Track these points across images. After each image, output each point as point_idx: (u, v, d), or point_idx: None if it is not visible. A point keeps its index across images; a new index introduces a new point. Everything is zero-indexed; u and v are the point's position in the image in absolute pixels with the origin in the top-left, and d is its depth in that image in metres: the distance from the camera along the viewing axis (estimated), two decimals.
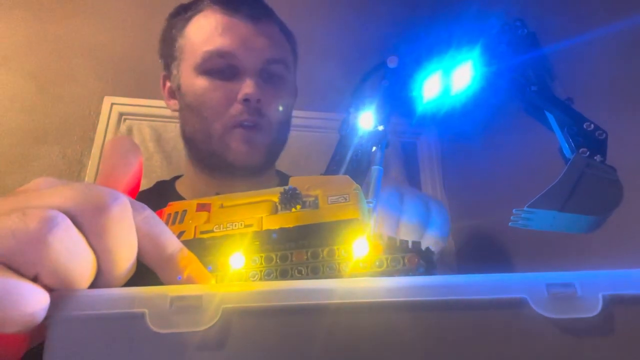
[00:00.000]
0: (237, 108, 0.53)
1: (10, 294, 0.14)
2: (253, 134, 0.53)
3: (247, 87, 0.52)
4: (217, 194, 0.25)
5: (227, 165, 0.54)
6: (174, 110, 0.60)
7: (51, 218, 0.15)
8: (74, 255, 0.16)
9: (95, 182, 0.19)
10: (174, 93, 0.59)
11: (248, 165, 0.54)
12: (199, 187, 0.59)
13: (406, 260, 0.21)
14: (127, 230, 0.17)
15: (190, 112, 0.55)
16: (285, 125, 0.58)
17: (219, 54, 0.53)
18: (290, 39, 0.61)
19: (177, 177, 0.64)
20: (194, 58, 0.54)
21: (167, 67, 0.60)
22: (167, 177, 0.65)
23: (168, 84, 0.60)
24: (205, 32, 0.54)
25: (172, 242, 0.19)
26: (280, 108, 0.56)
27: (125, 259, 0.17)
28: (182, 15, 0.58)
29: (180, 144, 1.42)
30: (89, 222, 0.16)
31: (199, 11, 0.56)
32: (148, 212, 0.19)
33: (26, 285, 0.15)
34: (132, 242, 0.18)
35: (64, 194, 0.17)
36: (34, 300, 0.15)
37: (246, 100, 0.52)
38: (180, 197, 0.58)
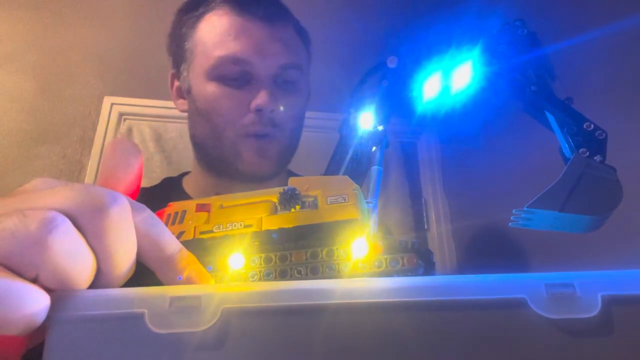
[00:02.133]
0: (249, 118, 0.50)
1: (11, 296, 0.14)
2: (266, 144, 0.51)
3: (261, 97, 0.49)
4: (217, 194, 0.25)
5: (237, 173, 0.53)
6: (183, 111, 0.58)
7: (51, 219, 0.15)
8: (73, 256, 0.16)
9: (95, 183, 0.19)
10: (183, 93, 0.56)
11: (259, 175, 0.53)
12: (205, 186, 0.58)
13: (405, 261, 0.21)
14: (126, 231, 0.17)
15: (201, 117, 0.53)
16: (298, 130, 0.57)
17: (233, 60, 0.50)
18: (305, 39, 0.58)
19: (185, 174, 0.62)
20: (205, 62, 0.51)
21: (177, 66, 0.57)
22: (167, 176, 0.65)
23: (177, 83, 0.58)
24: (218, 34, 0.51)
25: (171, 243, 0.19)
26: (293, 111, 0.54)
27: (124, 259, 0.18)
28: (192, 12, 0.54)
29: (180, 144, 1.43)
30: (89, 223, 0.16)
31: (211, 9, 0.53)
32: (147, 212, 0.19)
33: (26, 286, 0.15)
34: (132, 243, 0.18)
35: (64, 195, 0.17)
36: (34, 302, 0.15)
37: (259, 110, 0.50)
38: (186, 195, 0.57)
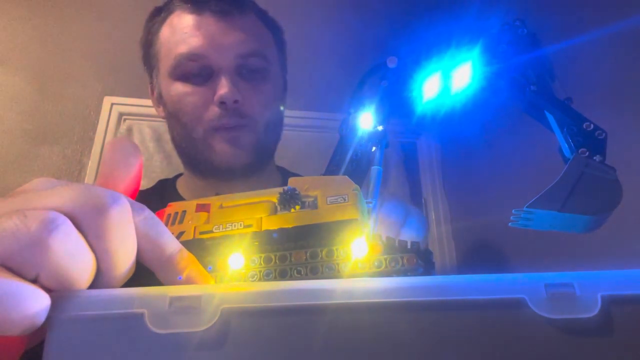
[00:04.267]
0: (214, 112, 0.50)
1: (11, 296, 0.14)
2: (236, 134, 0.51)
3: (222, 88, 0.49)
4: (217, 194, 0.25)
5: (214, 169, 0.52)
6: (163, 118, 0.58)
7: (52, 220, 0.15)
8: (74, 257, 0.16)
9: (95, 183, 0.19)
10: (159, 100, 0.57)
11: (234, 167, 0.52)
12: (195, 188, 0.58)
13: (405, 261, 0.21)
14: (126, 231, 0.17)
15: (173, 119, 0.54)
16: (273, 121, 0.55)
17: (189, 56, 0.50)
18: (273, 29, 0.58)
19: (179, 175, 0.63)
20: (167, 63, 0.52)
21: (150, 74, 0.58)
22: (168, 177, 0.65)
23: (154, 91, 0.58)
24: (176, 34, 0.52)
25: (171, 243, 0.19)
26: (263, 101, 0.52)
27: (124, 259, 0.18)
28: (156, 18, 0.55)
29: None
30: (89, 223, 0.16)
31: (171, 12, 0.54)
32: (147, 213, 0.19)
33: (27, 287, 0.15)
34: (132, 243, 0.18)
35: (64, 195, 0.17)
36: (35, 302, 0.15)
37: (222, 102, 0.49)
38: (179, 197, 0.57)
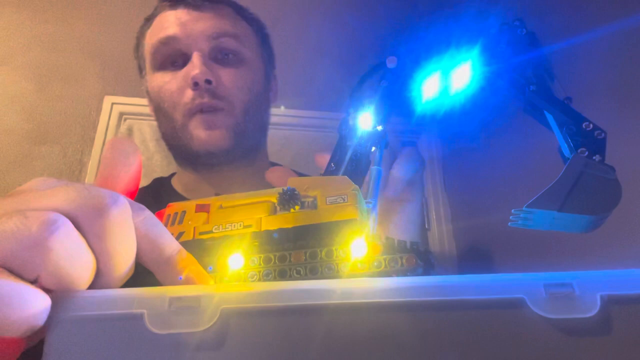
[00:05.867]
0: (189, 94, 0.51)
1: (12, 298, 0.14)
2: (212, 117, 0.51)
3: (194, 69, 0.50)
4: (217, 194, 0.25)
5: (195, 156, 0.53)
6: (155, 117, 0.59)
7: (52, 221, 0.15)
8: (74, 258, 0.16)
9: (94, 183, 0.19)
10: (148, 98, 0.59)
11: (214, 151, 0.52)
12: (188, 182, 0.58)
13: (404, 261, 0.21)
14: (126, 232, 0.17)
15: (157, 111, 0.55)
16: (252, 105, 0.55)
17: (162, 41, 0.52)
18: (252, 22, 0.59)
19: (175, 173, 0.63)
20: (148, 58, 0.55)
21: (141, 75, 0.60)
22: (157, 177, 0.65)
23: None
24: (155, 30, 0.54)
25: (170, 244, 0.19)
26: (239, 83, 0.53)
27: (124, 260, 0.18)
28: (146, 23, 0.58)
29: None
30: (89, 224, 0.16)
31: (156, 15, 0.56)
32: (147, 213, 0.19)
33: (27, 288, 0.15)
34: (131, 244, 0.18)
35: (64, 196, 0.17)
36: (36, 303, 0.15)
37: (195, 83, 0.50)
38: (175, 193, 0.58)
